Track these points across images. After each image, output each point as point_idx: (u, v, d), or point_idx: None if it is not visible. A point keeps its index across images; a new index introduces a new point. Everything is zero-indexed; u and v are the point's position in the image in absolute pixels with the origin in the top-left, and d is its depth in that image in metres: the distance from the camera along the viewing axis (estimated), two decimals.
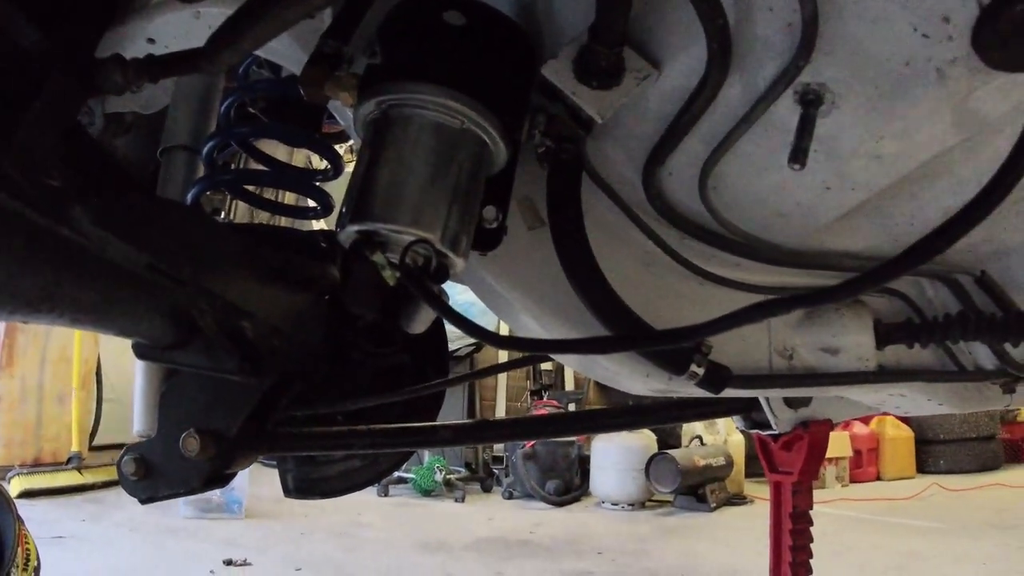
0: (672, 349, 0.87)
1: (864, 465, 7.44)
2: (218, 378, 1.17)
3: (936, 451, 7.69)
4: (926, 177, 0.90)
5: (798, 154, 0.72)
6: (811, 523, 1.56)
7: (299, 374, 1.39)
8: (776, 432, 1.47)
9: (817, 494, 5.43)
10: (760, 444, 1.61)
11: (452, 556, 3.81)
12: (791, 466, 1.52)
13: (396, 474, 6.07)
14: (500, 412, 7.45)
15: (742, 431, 2.27)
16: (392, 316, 0.78)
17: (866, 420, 7.88)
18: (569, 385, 7.57)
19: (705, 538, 4.76)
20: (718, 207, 0.91)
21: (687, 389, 0.96)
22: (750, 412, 1.53)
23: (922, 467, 7.69)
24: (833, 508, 5.87)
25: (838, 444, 7.22)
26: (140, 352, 1.01)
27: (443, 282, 0.73)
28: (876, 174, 0.86)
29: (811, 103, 0.75)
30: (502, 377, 7.43)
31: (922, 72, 0.70)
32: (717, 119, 0.82)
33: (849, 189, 0.88)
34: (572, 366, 1.06)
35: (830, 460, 7.11)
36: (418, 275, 0.69)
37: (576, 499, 6.03)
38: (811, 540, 1.55)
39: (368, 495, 5.86)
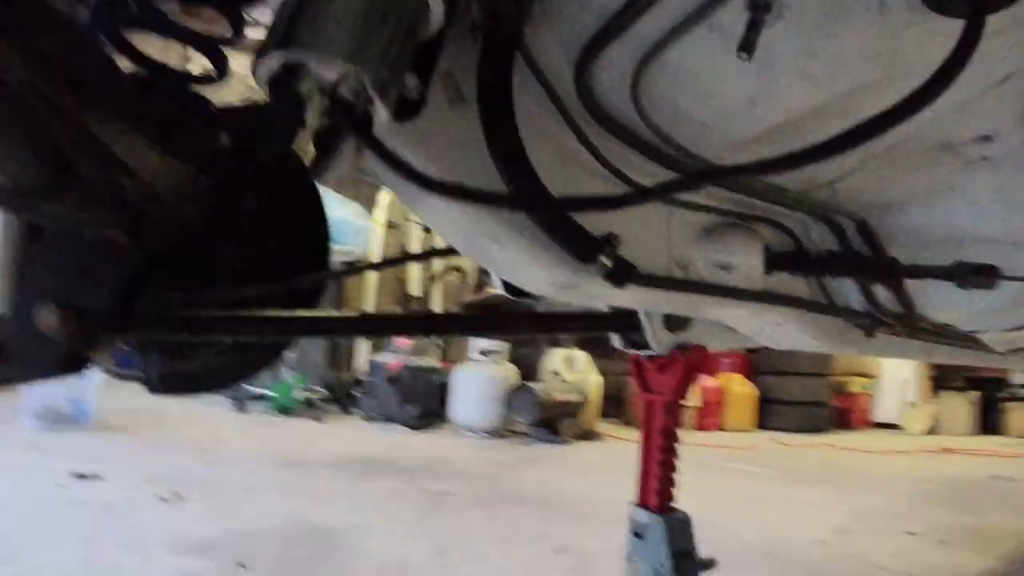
0: (581, 237, 0.86)
1: (709, 416, 7.96)
2: (83, 248, 1.07)
3: (775, 410, 8.36)
4: (838, 110, 0.93)
5: (748, 46, 0.72)
6: (679, 442, 1.64)
7: (175, 252, 1.30)
8: (653, 353, 1.52)
9: None
10: (635, 365, 1.66)
11: (313, 473, 3.76)
12: (664, 387, 1.58)
13: (255, 391, 5.91)
14: (361, 353, 7.36)
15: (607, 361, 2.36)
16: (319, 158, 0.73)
17: (714, 374, 8.41)
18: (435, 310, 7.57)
19: (560, 468, 4.95)
20: (647, 109, 0.91)
21: (587, 287, 0.96)
22: (629, 332, 1.57)
23: (761, 423, 8.35)
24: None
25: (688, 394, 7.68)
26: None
27: (368, 135, 0.68)
28: (799, 95, 0.88)
29: (760, 8, 0.75)
30: (370, 297, 7.32)
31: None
32: (662, 15, 0.80)
33: (772, 106, 0.90)
34: (470, 254, 1.01)
35: None
36: (351, 110, 0.64)
37: (435, 425, 6.10)
38: (678, 457, 1.63)
39: (225, 411, 5.68)
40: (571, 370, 6.60)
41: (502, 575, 2.55)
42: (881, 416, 9.10)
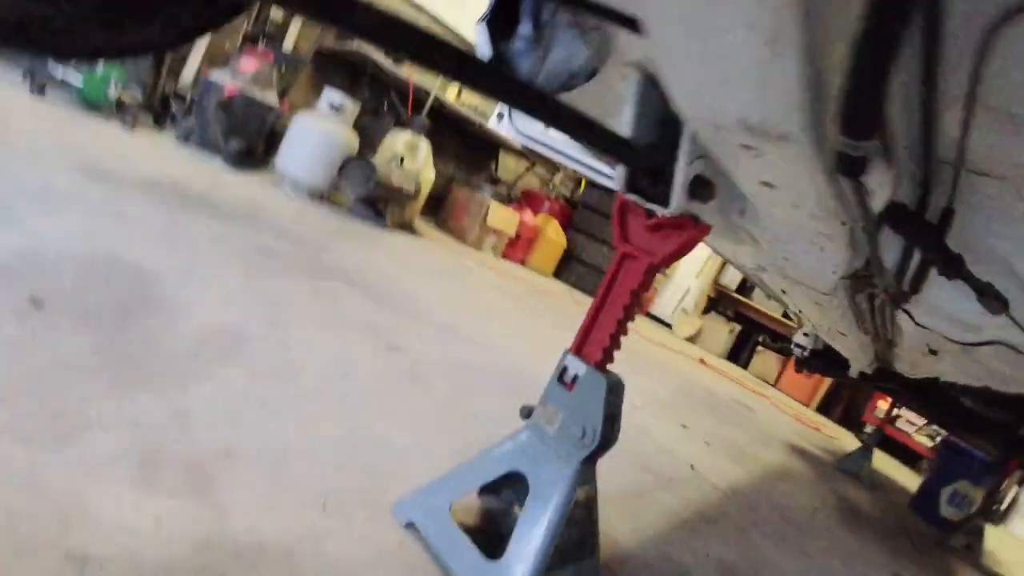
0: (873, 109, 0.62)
1: (517, 249, 8.07)
2: None
3: (574, 267, 8.70)
4: None
5: None
6: (640, 306, 1.50)
7: None
8: (657, 209, 1.32)
9: (472, 252, 5.81)
10: (622, 209, 1.46)
11: (121, 192, 3.15)
12: (653, 248, 1.40)
13: (59, 77, 4.89)
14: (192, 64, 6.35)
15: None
16: None
17: (537, 211, 8.47)
18: (288, 46, 6.73)
19: (385, 254, 4.76)
20: None
21: (787, 151, 0.72)
22: (641, 174, 1.35)
23: (557, 272, 8.64)
24: (487, 270, 6.29)
25: (509, 221, 7.67)
26: None
27: None
28: None
29: None
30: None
31: None
32: None
33: None
34: (674, 35, 0.71)
35: (496, 231, 7.55)
36: None
37: (256, 168, 5.54)
38: (633, 320, 1.49)
39: (18, 91, 4.64)
40: (412, 158, 6.26)
41: (341, 368, 2.37)
42: (656, 310, 9.80)
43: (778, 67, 0.60)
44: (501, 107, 4.03)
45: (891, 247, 1.32)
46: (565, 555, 1.46)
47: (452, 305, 4.19)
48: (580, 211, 8.86)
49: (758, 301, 9.66)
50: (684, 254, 1.40)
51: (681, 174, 1.26)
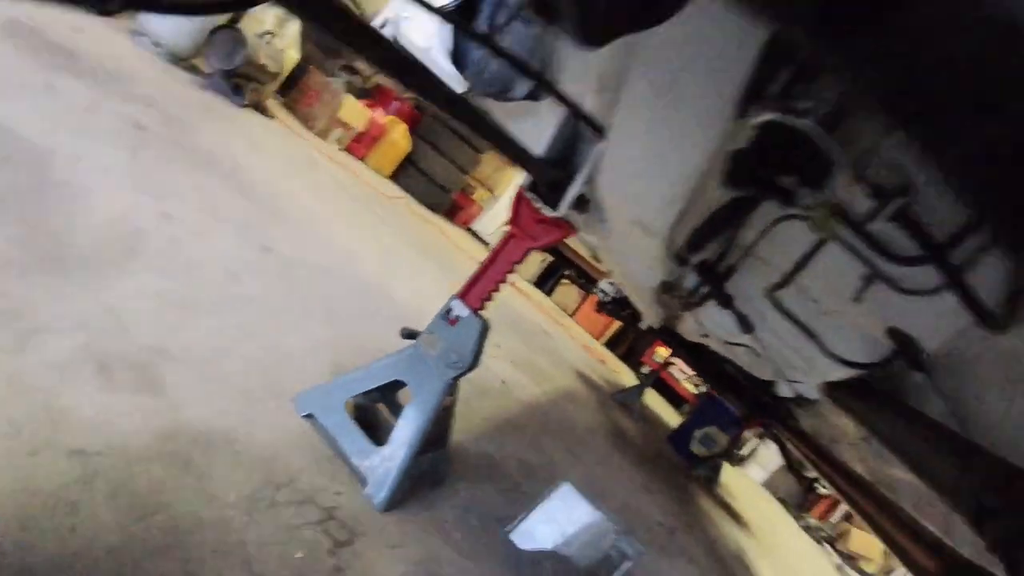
0: None
1: (361, 146, 8.10)
2: None
3: (413, 175, 8.84)
4: None
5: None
6: (514, 272, 1.96)
7: None
8: (550, 212, 1.76)
9: (317, 142, 5.87)
10: (519, 201, 1.88)
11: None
12: (536, 236, 1.86)
13: None
14: None
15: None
16: None
17: (386, 111, 8.48)
18: None
19: (241, 135, 4.85)
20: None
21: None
22: (544, 182, 1.77)
23: (395, 177, 8.73)
24: (332, 164, 6.45)
25: (359, 116, 7.71)
26: None
27: None
28: None
29: None
30: None
31: None
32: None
33: None
34: None
35: (344, 124, 7.56)
36: None
37: (116, 12, 5.18)
38: (505, 282, 1.95)
39: None
40: (280, 36, 6.18)
41: (230, 269, 2.64)
42: (478, 227, 10.01)
43: (674, 208, 1.07)
44: (388, 13, 4.18)
45: (691, 278, 1.89)
46: (429, 444, 1.96)
47: (307, 203, 4.44)
48: (429, 120, 8.91)
49: (572, 241, 10.32)
50: (555, 244, 1.87)
51: (573, 191, 1.72)
